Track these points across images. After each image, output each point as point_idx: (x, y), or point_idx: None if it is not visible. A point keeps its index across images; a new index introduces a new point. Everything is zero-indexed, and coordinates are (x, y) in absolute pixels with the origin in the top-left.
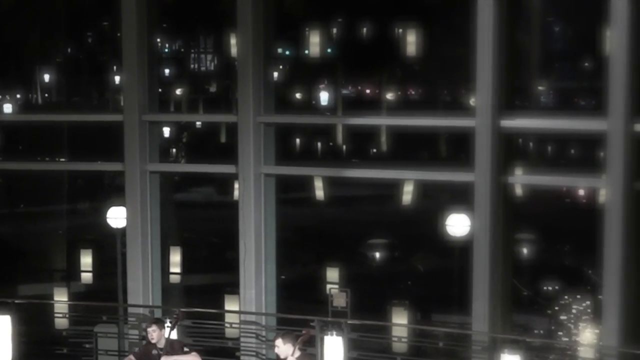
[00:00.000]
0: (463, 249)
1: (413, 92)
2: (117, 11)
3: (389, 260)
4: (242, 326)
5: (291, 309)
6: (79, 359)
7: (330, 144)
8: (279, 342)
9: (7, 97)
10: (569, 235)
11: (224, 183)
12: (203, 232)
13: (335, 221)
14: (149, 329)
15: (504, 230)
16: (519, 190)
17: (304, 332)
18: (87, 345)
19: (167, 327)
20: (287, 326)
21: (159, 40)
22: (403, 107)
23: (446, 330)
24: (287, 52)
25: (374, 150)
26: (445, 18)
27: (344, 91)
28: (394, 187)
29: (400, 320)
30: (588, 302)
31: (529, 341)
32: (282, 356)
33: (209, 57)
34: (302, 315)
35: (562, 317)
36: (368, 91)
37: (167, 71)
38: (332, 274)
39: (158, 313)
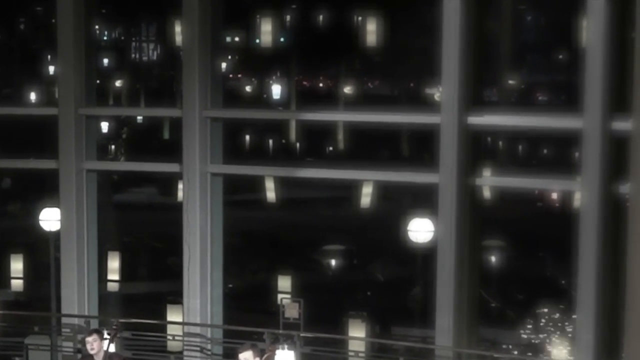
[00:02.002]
0: (426, 256)
1: (373, 86)
2: None
3: (345, 268)
4: (185, 339)
5: (239, 320)
6: None
7: (283, 141)
8: (248, 354)
9: None
10: (541, 242)
11: (167, 183)
12: (144, 236)
13: (288, 225)
14: (89, 339)
15: (470, 237)
16: (487, 193)
17: (269, 349)
18: (17, 359)
19: (106, 339)
20: (234, 339)
21: (97, 27)
22: (362, 102)
23: (407, 344)
24: (237, 40)
25: (330, 148)
26: (408, 5)
27: (298, 84)
28: (352, 188)
29: (357, 334)
30: (561, 315)
31: (496, 357)
32: None
33: (152, 46)
34: (251, 327)
35: (533, 331)
36: (324, 84)
37: (105, 61)
38: (284, 283)
39: (94, 324)
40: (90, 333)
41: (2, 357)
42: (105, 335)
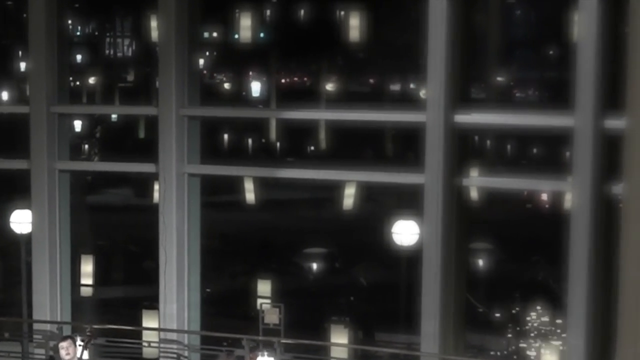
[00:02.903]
0: (411, 259)
1: (356, 83)
2: None
3: (327, 272)
4: (162, 345)
5: (217, 326)
6: None
7: (263, 140)
8: None
9: None
10: (530, 245)
11: (143, 184)
12: (118, 239)
13: (268, 228)
14: (63, 344)
15: (457, 239)
16: (474, 194)
17: (250, 356)
18: None
19: (79, 345)
20: (212, 346)
21: (70, 22)
22: (345, 100)
23: (391, 351)
24: (215, 36)
25: (312, 147)
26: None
27: (278, 81)
28: (334, 189)
29: (339, 340)
30: (551, 319)
31: None
32: None
33: (127, 41)
34: (229, 333)
35: (522, 337)
36: (305, 81)
37: (79, 57)
38: (264, 287)
39: (67, 330)
40: (63, 339)
41: None
42: (79, 342)
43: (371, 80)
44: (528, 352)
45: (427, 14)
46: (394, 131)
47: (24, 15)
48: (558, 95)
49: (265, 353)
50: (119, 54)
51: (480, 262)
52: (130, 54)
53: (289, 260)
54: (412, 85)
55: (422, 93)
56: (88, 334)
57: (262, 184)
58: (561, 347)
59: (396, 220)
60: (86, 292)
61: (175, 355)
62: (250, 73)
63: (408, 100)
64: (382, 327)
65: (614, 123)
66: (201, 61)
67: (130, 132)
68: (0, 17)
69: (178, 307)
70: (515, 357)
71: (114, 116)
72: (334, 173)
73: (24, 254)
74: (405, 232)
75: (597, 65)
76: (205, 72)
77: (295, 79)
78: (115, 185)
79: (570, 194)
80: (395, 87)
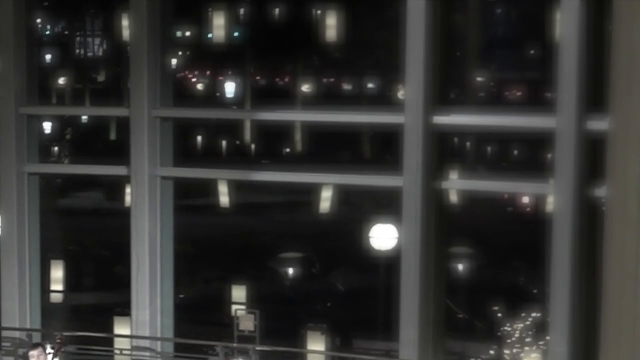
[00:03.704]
0: (389, 264)
1: (333, 83)
2: None
3: (304, 278)
4: (134, 353)
5: (191, 333)
6: None
7: (237, 142)
8: None
9: None
10: (511, 249)
11: (114, 187)
12: (89, 244)
13: (242, 232)
14: (33, 352)
15: (436, 243)
16: (454, 197)
17: None
18: None
19: (49, 353)
20: (185, 353)
21: (38, 21)
22: (321, 101)
23: (369, 358)
24: (187, 35)
25: (288, 150)
26: None
27: (253, 81)
28: (310, 192)
29: (316, 347)
30: (533, 326)
31: None
32: None
33: (97, 41)
34: (203, 340)
35: (503, 343)
36: (281, 82)
37: (48, 57)
38: (239, 293)
39: (37, 337)
40: (33, 347)
41: None
42: (49, 350)
43: (349, 81)
44: (510, 358)
45: (405, 14)
46: (371, 133)
47: None
48: (540, 95)
49: None
50: (90, 54)
51: (460, 267)
52: (101, 53)
53: (264, 266)
54: (390, 86)
55: (401, 94)
56: (58, 341)
57: (236, 187)
58: (544, 354)
59: (374, 224)
60: (56, 298)
61: None
62: (224, 73)
63: (386, 102)
64: (360, 333)
65: (597, 124)
66: (174, 61)
67: (101, 133)
68: None
69: (150, 313)
70: None
71: (84, 117)
72: (310, 176)
73: None
74: (383, 236)
75: (580, 65)
76: (178, 72)
77: (271, 79)
78: (85, 189)
79: (552, 196)
80: (373, 87)
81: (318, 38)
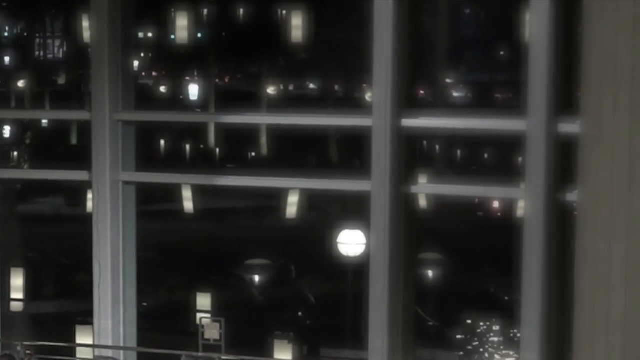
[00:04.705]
0: (357, 271)
1: (299, 85)
2: None
3: (270, 285)
4: None
5: (155, 342)
6: None
7: (201, 146)
8: None
9: None
10: (481, 255)
11: (75, 192)
12: (50, 251)
13: (207, 238)
14: None
15: (406, 250)
16: (423, 202)
17: None
18: None
19: None
20: None
21: None
22: (287, 103)
23: None
24: (150, 36)
25: (253, 154)
26: None
27: (217, 84)
28: (277, 197)
29: (283, 356)
30: (504, 333)
31: None
32: None
33: (57, 42)
34: (167, 350)
35: (474, 351)
36: (245, 84)
37: (6, 59)
38: (203, 301)
39: None
40: (2, 358)
41: None
42: None
43: (315, 83)
44: None
45: (372, 14)
46: (338, 136)
47: None
48: (510, 97)
49: None
50: (50, 56)
51: (430, 274)
52: (61, 55)
53: (229, 272)
54: (357, 88)
55: (368, 96)
56: (28, 352)
57: (201, 192)
58: None
59: (342, 230)
60: (16, 307)
61: None
62: (188, 75)
63: (353, 104)
64: (327, 342)
65: (568, 127)
66: (136, 63)
67: (61, 138)
68: None
69: (113, 322)
70: None
71: (44, 121)
72: (276, 180)
73: None
74: (351, 242)
75: (550, 67)
76: (140, 74)
77: (235, 81)
78: (46, 194)
79: (523, 201)
80: (340, 89)
81: (283, 39)
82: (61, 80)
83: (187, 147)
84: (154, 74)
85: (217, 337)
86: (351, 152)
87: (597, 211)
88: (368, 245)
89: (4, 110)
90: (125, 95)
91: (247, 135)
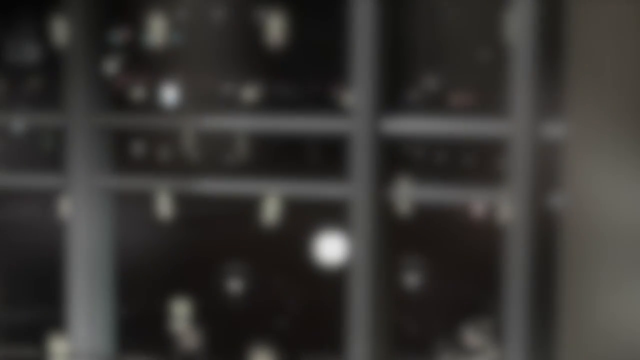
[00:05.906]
0: (338, 278)
1: (277, 88)
2: None
3: (248, 292)
4: None
5: (130, 350)
6: None
7: (178, 150)
8: None
9: None
10: (464, 261)
11: (49, 198)
12: (25, 259)
13: (183, 245)
14: None
15: (386, 256)
16: (404, 207)
17: None
18: None
19: None
20: None
21: None
22: (265, 106)
23: None
24: (124, 39)
25: (231, 159)
26: None
27: (192, 87)
28: (255, 203)
29: None
30: (487, 342)
31: None
32: None
33: (30, 45)
34: (144, 358)
35: (457, 358)
36: (221, 87)
37: None
38: (181, 309)
39: None
40: None
41: None
42: None
43: (292, 84)
44: None
45: (351, 14)
46: (317, 140)
47: None
48: (493, 100)
49: None
50: (22, 59)
51: (411, 280)
52: (34, 58)
53: (207, 280)
54: (337, 91)
55: (347, 99)
56: None
57: (177, 197)
58: None
59: (322, 236)
60: None
61: None
62: (164, 78)
63: (332, 106)
64: (307, 350)
65: (552, 130)
66: (111, 66)
67: (35, 142)
68: None
69: (89, 331)
70: None
71: (17, 125)
72: (254, 185)
73: None
74: (331, 249)
75: (534, 68)
76: (115, 77)
77: (212, 84)
78: (19, 200)
79: (507, 205)
80: (319, 92)
81: (260, 40)
82: (33, 84)
83: (163, 151)
84: (129, 77)
85: (195, 345)
86: (330, 156)
87: (581, 215)
88: (348, 251)
89: None
90: (100, 99)
91: (224, 139)
